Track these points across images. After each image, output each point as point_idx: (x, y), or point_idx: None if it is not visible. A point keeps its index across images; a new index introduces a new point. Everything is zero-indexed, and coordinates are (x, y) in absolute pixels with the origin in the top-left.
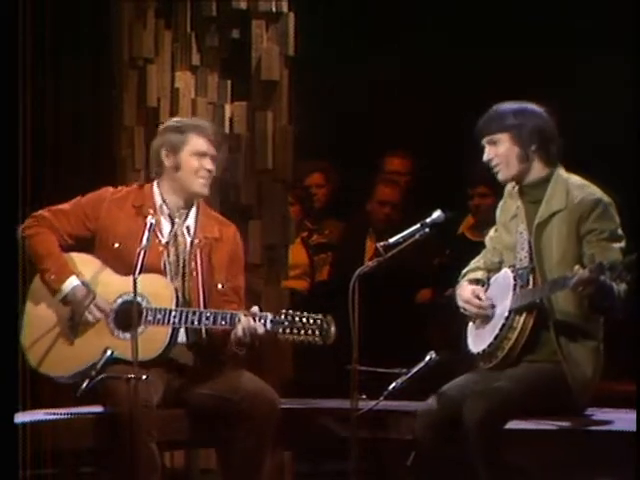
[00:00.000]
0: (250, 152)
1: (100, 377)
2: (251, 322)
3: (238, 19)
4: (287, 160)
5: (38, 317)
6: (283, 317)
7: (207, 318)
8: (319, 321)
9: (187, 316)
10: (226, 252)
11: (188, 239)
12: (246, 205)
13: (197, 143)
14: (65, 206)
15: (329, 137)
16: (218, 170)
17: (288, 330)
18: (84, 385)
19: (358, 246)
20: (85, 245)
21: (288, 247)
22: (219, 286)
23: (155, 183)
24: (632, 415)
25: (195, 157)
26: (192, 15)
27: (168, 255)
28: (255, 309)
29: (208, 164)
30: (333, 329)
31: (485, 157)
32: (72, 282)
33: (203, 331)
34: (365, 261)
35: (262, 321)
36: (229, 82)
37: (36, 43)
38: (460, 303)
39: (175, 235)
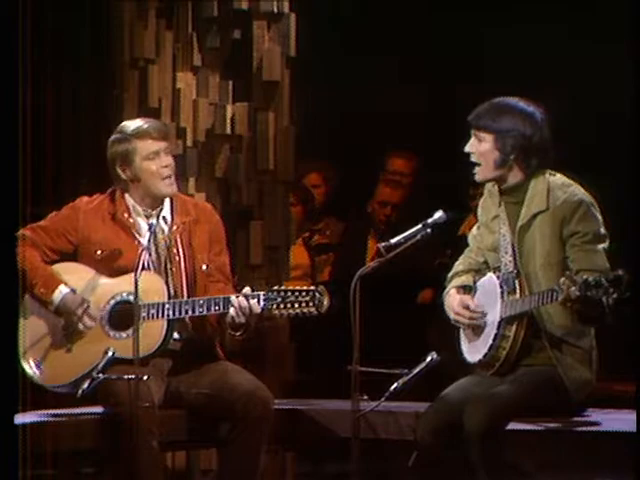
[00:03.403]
0: (251, 153)
1: (102, 378)
2: (244, 302)
3: (239, 19)
4: (288, 161)
5: (31, 331)
6: (276, 293)
7: (201, 306)
8: (311, 292)
9: (181, 307)
10: (206, 232)
11: (166, 229)
12: (247, 206)
13: (145, 147)
14: (44, 222)
15: (330, 137)
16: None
17: (282, 305)
18: (85, 385)
19: (359, 247)
20: (69, 259)
21: (289, 248)
22: (203, 267)
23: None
24: (632, 415)
25: (149, 161)
26: (193, 15)
27: (150, 254)
28: (247, 289)
29: (164, 161)
30: (326, 299)
31: (467, 148)
32: (61, 291)
33: (189, 325)
34: (366, 262)
35: (255, 300)
36: (230, 82)
37: (36, 43)
38: (451, 315)
39: (154, 232)
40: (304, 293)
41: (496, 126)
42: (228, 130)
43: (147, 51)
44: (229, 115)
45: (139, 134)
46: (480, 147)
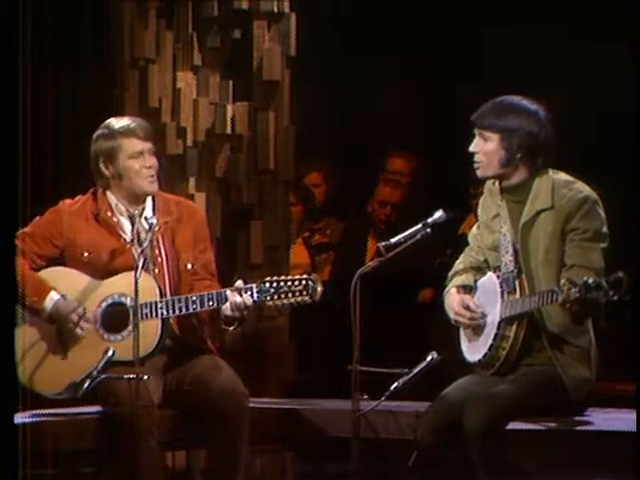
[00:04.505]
0: (251, 152)
1: (101, 378)
2: (237, 298)
3: (239, 19)
4: (288, 160)
5: (26, 341)
6: (268, 285)
7: (194, 302)
8: (304, 281)
9: (174, 305)
10: (190, 231)
11: (148, 228)
12: (247, 206)
13: (130, 145)
14: (28, 229)
15: (330, 137)
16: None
17: (276, 296)
18: (85, 385)
19: (359, 246)
20: (56, 263)
21: (289, 248)
22: (188, 266)
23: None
24: (632, 415)
25: (133, 159)
26: (194, 15)
27: (135, 254)
28: (239, 283)
29: (148, 161)
30: (320, 286)
31: (471, 147)
32: (52, 298)
33: (173, 323)
34: (366, 261)
35: (248, 293)
36: (231, 82)
37: (36, 43)
38: (451, 315)
39: (137, 231)
40: (297, 282)
41: (502, 125)
42: (228, 130)
43: (147, 51)
44: (229, 115)
45: (125, 132)
46: (485, 146)
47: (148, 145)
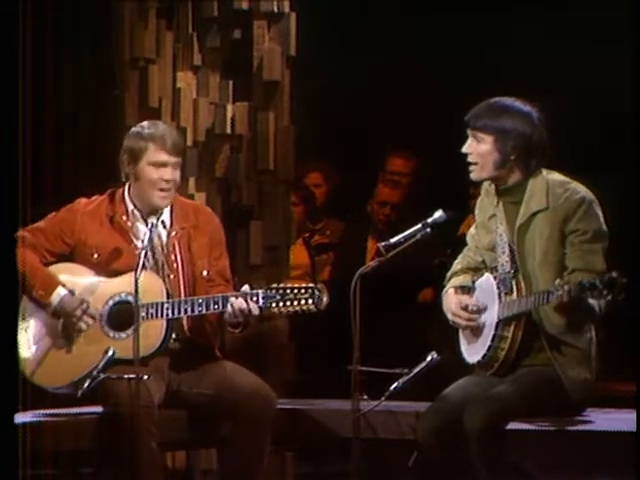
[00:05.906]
0: (251, 152)
1: (102, 377)
2: (243, 303)
3: (239, 19)
4: (288, 160)
5: (30, 333)
6: (274, 291)
7: (199, 305)
8: (310, 290)
9: (180, 306)
10: (205, 237)
11: (164, 234)
12: (247, 206)
13: (155, 153)
14: (41, 224)
15: (331, 137)
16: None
17: (281, 303)
18: (85, 385)
19: (359, 246)
20: (66, 259)
21: (289, 248)
22: (204, 273)
23: (126, 188)
24: (632, 415)
25: (153, 167)
26: (194, 15)
27: (146, 256)
28: (246, 288)
29: (167, 174)
30: (326, 295)
31: (464, 149)
32: (59, 293)
33: (185, 326)
34: (366, 261)
35: (254, 299)
36: (231, 82)
37: (37, 43)
38: (449, 316)
39: (151, 236)
40: (303, 290)
41: (496, 126)
42: (228, 130)
43: (147, 51)
44: (229, 115)
45: (155, 139)
46: (479, 148)
47: (174, 159)
